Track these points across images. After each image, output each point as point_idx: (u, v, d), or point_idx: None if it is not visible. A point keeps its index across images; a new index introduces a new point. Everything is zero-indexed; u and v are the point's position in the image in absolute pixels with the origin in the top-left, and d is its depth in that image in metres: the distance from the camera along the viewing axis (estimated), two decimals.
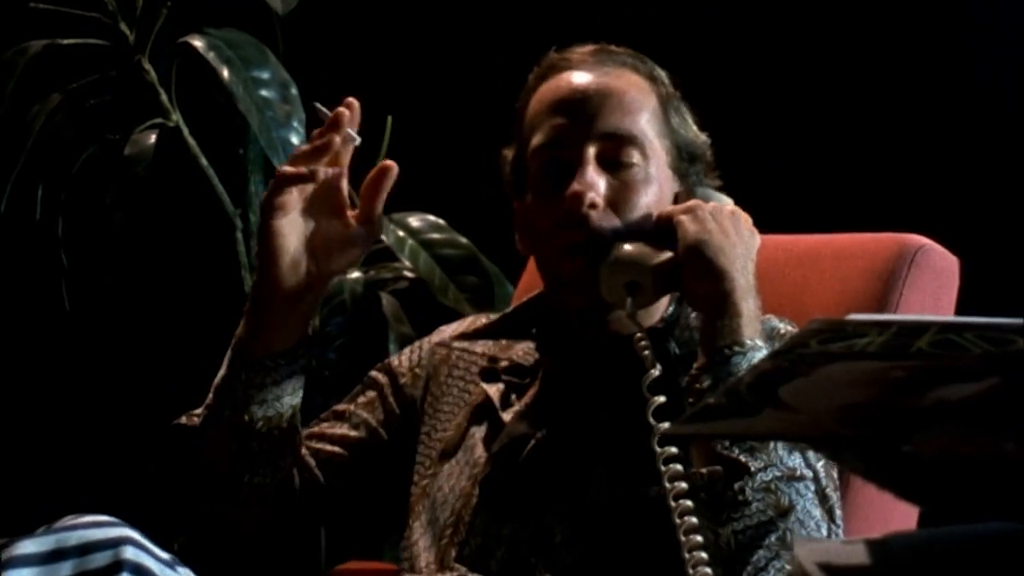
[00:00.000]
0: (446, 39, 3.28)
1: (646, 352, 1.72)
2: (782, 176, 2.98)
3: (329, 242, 1.77)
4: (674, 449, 1.65)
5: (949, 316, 1.23)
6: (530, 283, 2.11)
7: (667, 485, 1.64)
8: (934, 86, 2.96)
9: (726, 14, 3.07)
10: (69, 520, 1.60)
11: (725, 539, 1.61)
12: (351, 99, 1.76)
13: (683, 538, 1.62)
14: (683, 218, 1.75)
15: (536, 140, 1.82)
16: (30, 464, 3.29)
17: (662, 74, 1.88)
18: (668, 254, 1.74)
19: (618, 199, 1.78)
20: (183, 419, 1.83)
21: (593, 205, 1.76)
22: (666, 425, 1.66)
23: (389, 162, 1.78)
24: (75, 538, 1.57)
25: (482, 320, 1.98)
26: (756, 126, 3.00)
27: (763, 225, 1.87)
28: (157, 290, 3.34)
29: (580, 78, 1.83)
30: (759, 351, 1.68)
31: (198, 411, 1.83)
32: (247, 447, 1.79)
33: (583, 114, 1.80)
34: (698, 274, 1.73)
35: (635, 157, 1.80)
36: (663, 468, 1.64)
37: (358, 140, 1.75)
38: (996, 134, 2.92)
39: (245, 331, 1.79)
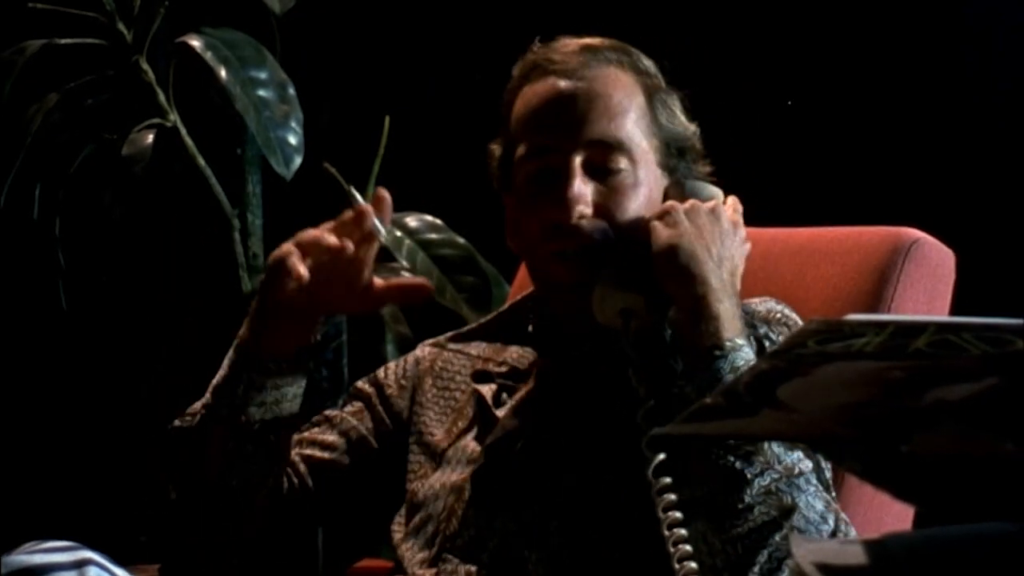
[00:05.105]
0: (444, 39, 3.28)
1: (640, 385, 1.72)
2: (777, 169, 2.99)
3: (333, 293, 1.77)
4: (662, 456, 1.65)
5: (947, 316, 1.23)
6: (525, 282, 2.11)
7: (656, 497, 1.64)
8: (928, 79, 2.96)
9: (722, 6, 3.07)
10: (30, 545, 1.63)
11: (731, 545, 1.61)
12: (384, 193, 1.77)
13: (672, 548, 1.62)
14: (656, 223, 1.75)
15: (522, 149, 1.81)
16: (28, 463, 3.29)
17: (648, 64, 1.86)
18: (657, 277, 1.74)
19: (607, 205, 1.77)
20: (177, 422, 1.83)
21: (582, 216, 1.76)
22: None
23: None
24: (38, 559, 1.60)
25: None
26: (750, 119, 3.00)
27: (757, 218, 1.87)
28: (154, 289, 3.33)
29: (564, 84, 1.80)
30: (740, 351, 1.66)
31: (192, 411, 1.82)
32: (242, 449, 1.79)
33: (568, 122, 1.79)
34: (672, 279, 1.72)
35: (622, 163, 1.78)
36: (652, 479, 1.64)
37: (383, 233, 1.75)
38: (990, 127, 2.92)
39: (248, 333, 1.78)
